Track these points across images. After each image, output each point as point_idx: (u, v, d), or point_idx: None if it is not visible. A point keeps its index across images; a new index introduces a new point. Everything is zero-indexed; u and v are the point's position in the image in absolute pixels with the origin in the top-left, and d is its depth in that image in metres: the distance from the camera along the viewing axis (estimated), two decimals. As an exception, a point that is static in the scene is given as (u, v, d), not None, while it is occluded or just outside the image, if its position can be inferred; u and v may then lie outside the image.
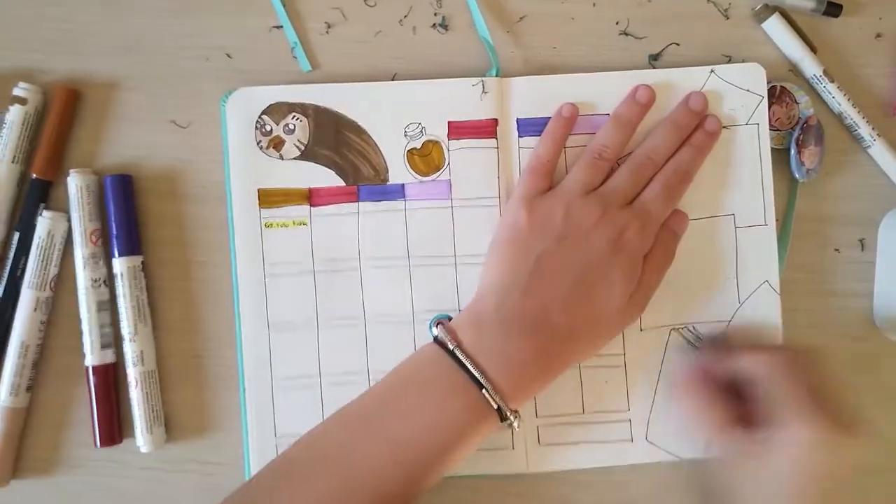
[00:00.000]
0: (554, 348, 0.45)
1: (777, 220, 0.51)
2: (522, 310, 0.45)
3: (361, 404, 0.45)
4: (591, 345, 0.47)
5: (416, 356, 0.46)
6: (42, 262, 0.48)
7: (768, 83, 0.51)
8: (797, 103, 0.51)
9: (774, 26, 0.51)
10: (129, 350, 0.48)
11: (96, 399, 0.48)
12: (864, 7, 0.52)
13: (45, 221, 0.48)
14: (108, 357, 0.49)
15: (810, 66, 0.51)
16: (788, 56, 0.52)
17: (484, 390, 0.43)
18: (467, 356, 0.43)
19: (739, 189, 0.50)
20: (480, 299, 0.46)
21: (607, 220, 0.46)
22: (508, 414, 0.44)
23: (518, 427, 0.45)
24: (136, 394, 0.48)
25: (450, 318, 0.47)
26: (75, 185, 0.48)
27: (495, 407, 0.43)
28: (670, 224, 0.49)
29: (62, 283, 0.49)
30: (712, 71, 0.50)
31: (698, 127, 0.50)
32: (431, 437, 0.43)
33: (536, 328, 0.44)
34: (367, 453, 0.42)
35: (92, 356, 0.48)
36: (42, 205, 0.49)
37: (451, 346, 0.44)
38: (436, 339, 0.45)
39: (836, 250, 0.52)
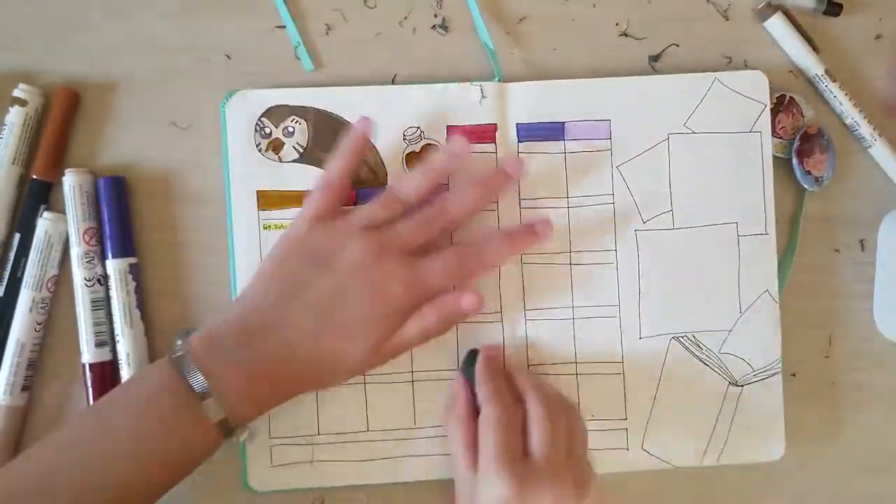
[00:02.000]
0: (288, 368, 0.44)
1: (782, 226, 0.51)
2: (263, 327, 0.44)
3: (74, 427, 0.43)
4: (328, 378, 0.46)
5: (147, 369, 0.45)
6: (40, 262, 0.48)
7: (777, 92, 0.51)
8: (803, 115, 0.51)
9: (777, 25, 0.51)
10: (121, 350, 0.48)
11: (93, 397, 0.48)
12: (863, 8, 0.52)
13: (44, 222, 0.48)
14: (105, 355, 0.49)
15: (812, 66, 0.51)
16: (790, 56, 0.52)
17: (207, 401, 0.42)
18: (195, 362, 0.42)
19: (741, 197, 0.50)
20: (227, 309, 0.45)
21: (376, 263, 0.44)
22: (235, 428, 0.43)
23: (246, 441, 0.45)
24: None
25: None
26: (69, 184, 0.48)
27: (219, 419, 0.42)
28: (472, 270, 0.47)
29: (64, 283, 0.49)
30: (716, 79, 0.50)
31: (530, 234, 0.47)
32: (150, 450, 0.42)
33: (274, 347, 0.43)
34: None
35: (87, 354, 0.48)
36: (43, 206, 0.49)
37: (177, 353, 0.43)
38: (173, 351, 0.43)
39: (836, 251, 0.52)
